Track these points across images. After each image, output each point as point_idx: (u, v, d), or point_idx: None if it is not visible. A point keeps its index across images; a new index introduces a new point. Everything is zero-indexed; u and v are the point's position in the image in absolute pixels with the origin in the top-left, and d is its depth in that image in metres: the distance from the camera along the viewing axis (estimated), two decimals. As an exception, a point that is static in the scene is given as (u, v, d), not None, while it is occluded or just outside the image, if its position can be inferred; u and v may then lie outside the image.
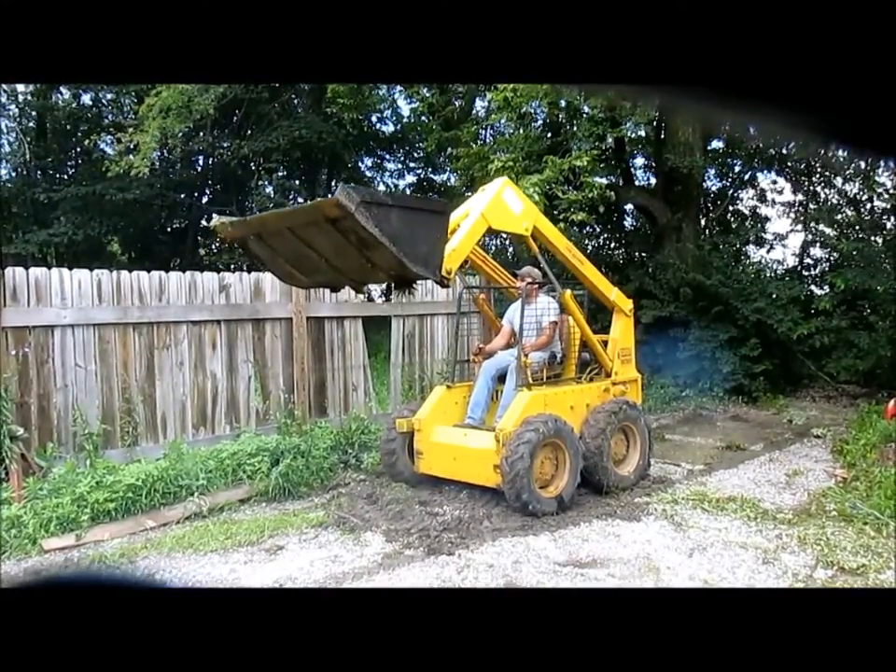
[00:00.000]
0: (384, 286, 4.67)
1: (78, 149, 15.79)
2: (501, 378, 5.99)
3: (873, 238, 11.79)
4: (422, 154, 17.96)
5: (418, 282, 4.45)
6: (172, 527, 5.14)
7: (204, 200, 16.95)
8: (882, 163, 9.82)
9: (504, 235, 13.82)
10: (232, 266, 14.35)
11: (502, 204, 5.51)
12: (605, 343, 6.42)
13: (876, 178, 11.51)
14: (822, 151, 10.76)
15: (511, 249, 13.47)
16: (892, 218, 12.13)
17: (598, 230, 14.23)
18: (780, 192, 13.83)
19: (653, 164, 13.21)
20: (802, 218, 13.31)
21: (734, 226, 14.13)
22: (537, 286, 6.16)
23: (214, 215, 4.90)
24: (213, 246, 17.86)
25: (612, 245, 14.90)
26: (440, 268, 4.28)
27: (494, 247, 14.02)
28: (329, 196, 3.69)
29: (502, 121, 11.35)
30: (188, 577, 4.21)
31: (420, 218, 4.05)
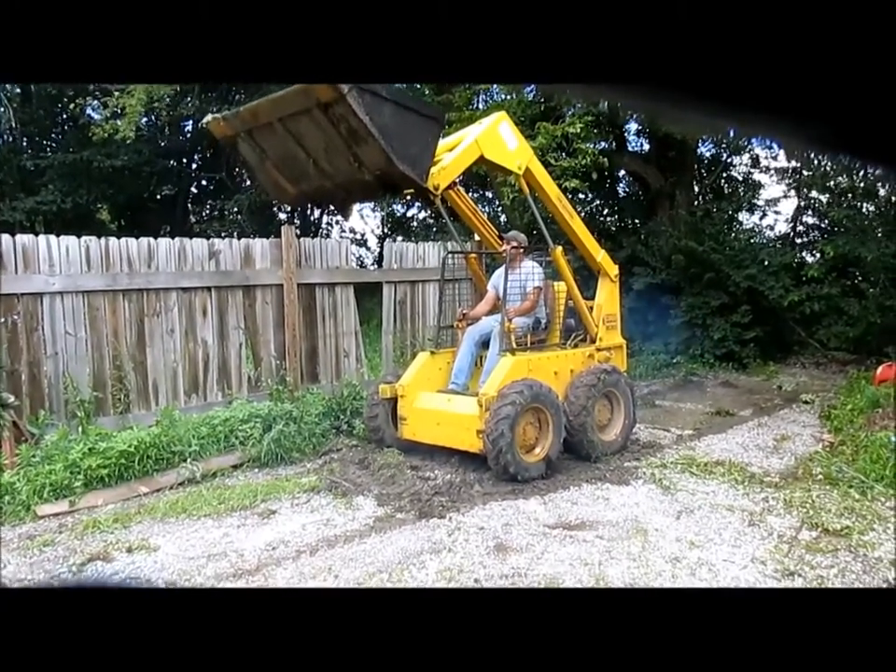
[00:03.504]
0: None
1: (65, 115, 15.51)
2: (485, 344, 5.98)
3: (865, 205, 11.76)
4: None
5: (406, 192, 4.45)
6: (165, 493, 5.18)
7: (194, 166, 16.73)
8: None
9: (497, 204, 13.79)
10: (223, 233, 14.21)
11: (497, 136, 5.45)
12: (590, 310, 6.40)
13: None
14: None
15: (503, 217, 13.39)
16: (886, 186, 12.08)
17: (591, 196, 14.14)
18: (775, 158, 13.76)
19: (647, 130, 13.08)
20: (795, 185, 13.25)
21: (727, 192, 14.06)
22: (522, 250, 6.13)
23: (208, 115, 4.91)
24: (203, 213, 17.68)
25: (605, 212, 14.83)
26: (427, 173, 4.25)
27: (486, 214, 13.92)
28: None
29: (494, 86, 11.19)
30: (181, 541, 4.25)
31: (413, 119, 4.02)
